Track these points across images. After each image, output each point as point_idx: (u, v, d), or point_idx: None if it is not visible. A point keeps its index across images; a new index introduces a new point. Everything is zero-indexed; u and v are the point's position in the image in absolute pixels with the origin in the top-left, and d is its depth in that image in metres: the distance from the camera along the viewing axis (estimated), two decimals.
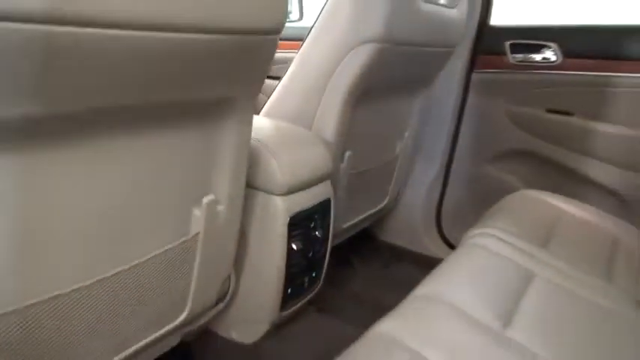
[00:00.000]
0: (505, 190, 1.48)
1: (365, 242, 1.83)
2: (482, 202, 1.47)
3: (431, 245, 1.80)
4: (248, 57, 0.73)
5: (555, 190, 1.46)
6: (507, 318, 0.83)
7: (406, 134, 1.56)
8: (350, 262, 1.71)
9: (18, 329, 0.62)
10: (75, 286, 0.67)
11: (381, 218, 1.77)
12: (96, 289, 0.71)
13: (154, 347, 0.91)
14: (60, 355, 0.69)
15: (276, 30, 0.74)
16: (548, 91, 1.58)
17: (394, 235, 1.84)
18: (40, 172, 0.59)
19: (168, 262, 0.83)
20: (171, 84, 0.66)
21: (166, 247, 0.81)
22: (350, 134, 1.25)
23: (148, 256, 0.78)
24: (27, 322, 0.63)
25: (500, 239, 1.08)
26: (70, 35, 0.49)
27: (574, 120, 1.56)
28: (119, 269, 0.73)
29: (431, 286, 0.88)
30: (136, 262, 0.76)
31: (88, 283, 0.69)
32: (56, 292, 0.65)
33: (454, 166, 1.77)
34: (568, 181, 1.59)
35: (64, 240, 0.65)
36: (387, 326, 0.76)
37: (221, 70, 0.71)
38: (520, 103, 1.64)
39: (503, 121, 1.68)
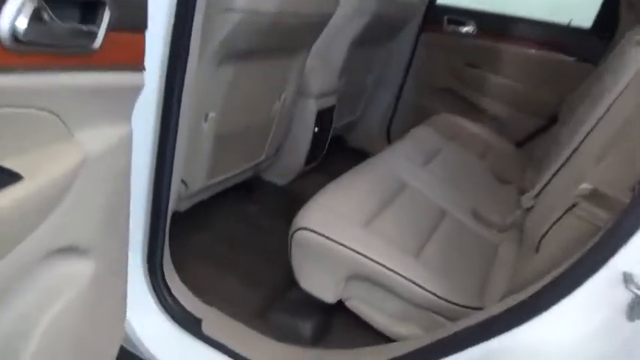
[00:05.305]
0: (433, 112, 2.38)
1: (339, 146, 2.67)
2: (418, 119, 2.35)
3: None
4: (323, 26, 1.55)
5: (463, 115, 2.38)
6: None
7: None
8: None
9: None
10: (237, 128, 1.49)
11: (351, 128, 2.60)
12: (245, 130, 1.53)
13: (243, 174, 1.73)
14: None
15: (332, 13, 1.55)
16: (466, 51, 2.47)
17: (358, 141, 2.70)
18: (239, 73, 1.38)
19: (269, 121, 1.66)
20: (291, 37, 1.46)
21: (271, 113, 1.64)
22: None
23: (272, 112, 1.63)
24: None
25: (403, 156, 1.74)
26: (273, 16, 1.29)
27: (480, 72, 2.47)
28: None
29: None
30: (264, 116, 1.60)
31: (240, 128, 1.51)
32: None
33: (402, 96, 2.64)
34: (472, 110, 2.51)
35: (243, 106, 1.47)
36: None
37: (310, 32, 1.52)
38: (449, 58, 2.51)
39: (437, 69, 2.55)
